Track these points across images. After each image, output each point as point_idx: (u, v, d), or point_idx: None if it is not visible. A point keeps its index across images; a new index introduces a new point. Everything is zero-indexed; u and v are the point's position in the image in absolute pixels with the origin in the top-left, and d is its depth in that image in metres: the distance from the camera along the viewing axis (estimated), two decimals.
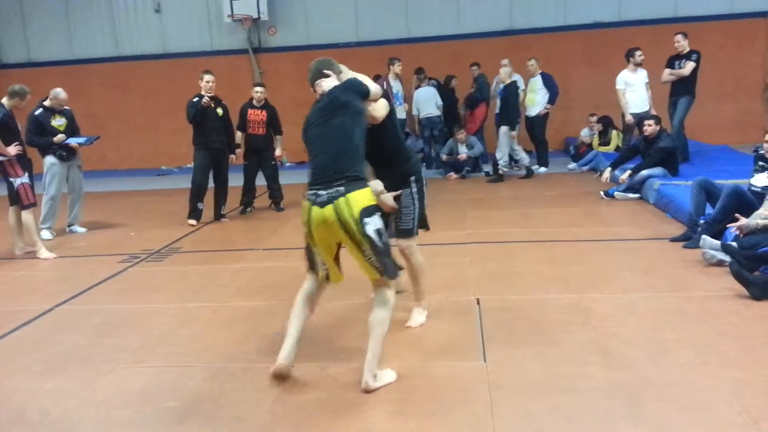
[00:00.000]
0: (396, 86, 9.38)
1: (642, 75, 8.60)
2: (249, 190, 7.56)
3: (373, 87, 3.20)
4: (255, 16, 11.75)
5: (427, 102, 9.79)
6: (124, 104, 12.47)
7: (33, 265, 5.69)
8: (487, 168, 9.78)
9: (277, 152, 7.61)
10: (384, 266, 2.88)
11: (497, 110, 9.42)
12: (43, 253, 5.80)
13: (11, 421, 2.82)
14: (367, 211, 2.83)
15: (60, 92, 6.50)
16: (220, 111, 6.92)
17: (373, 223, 2.83)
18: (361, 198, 2.83)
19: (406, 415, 2.68)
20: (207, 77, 6.83)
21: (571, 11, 11.57)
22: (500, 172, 8.97)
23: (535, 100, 9.64)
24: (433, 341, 3.43)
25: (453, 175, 9.59)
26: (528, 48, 10.71)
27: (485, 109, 10.41)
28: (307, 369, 3.12)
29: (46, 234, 6.47)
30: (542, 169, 9.71)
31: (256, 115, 7.37)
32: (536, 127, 9.75)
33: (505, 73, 9.07)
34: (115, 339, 3.74)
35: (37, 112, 6.41)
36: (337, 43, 12.11)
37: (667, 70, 8.21)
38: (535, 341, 3.35)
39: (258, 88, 7.51)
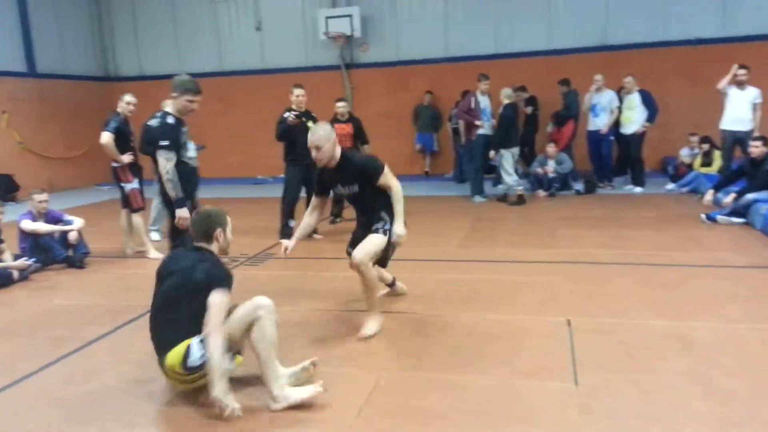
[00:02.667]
0: (484, 102, 9.37)
1: (748, 93, 8.12)
2: (338, 202, 7.77)
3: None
4: (349, 33, 12.12)
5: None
6: (224, 116, 13.20)
7: (142, 264, 6.14)
8: (578, 186, 9.53)
9: None
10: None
11: (593, 127, 9.21)
12: (152, 253, 6.26)
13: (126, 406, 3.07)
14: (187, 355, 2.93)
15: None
16: (311, 124, 6.99)
17: (194, 356, 2.92)
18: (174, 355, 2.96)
19: None
20: (297, 91, 6.89)
21: (670, 26, 11.08)
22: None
23: (632, 117, 9.34)
24: (521, 360, 3.41)
25: (541, 192, 9.43)
26: (623, 64, 10.39)
27: (573, 126, 10.19)
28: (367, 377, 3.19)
29: (154, 235, 6.94)
30: (638, 189, 9.35)
31: (342, 129, 7.47)
32: (632, 145, 9.43)
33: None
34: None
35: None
36: (427, 59, 12.27)
37: None
38: (630, 367, 3.26)
39: (340, 103, 7.72)
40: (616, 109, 9.50)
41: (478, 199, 9.11)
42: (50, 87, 12.48)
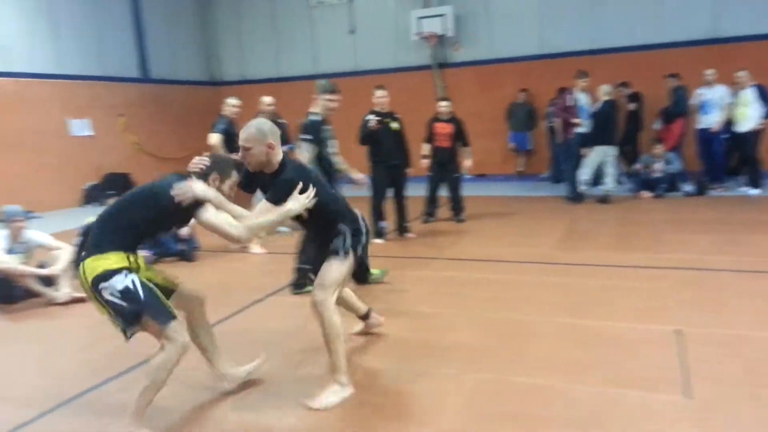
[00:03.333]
0: (582, 100, 9.06)
1: None
2: (431, 201, 7.81)
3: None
4: (441, 33, 12.10)
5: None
6: None
7: (244, 258, 6.47)
8: (688, 187, 8.96)
9: (467, 163, 7.70)
10: (125, 330, 2.78)
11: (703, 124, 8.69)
12: (254, 248, 6.57)
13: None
14: (103, 277, 2.70)
15: (263, 99, 7.20)
16: (395, 125, 6.82)
17: (111, 287, 2.69)
18: (96, 265, 2.71)
19: None
20: (378, 93, 6.80)
21: None
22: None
23: (747, 114, 8.68)
24: (624, 369, 3.27)
25: (645, 193, 8.97)
26: (735, 58, 9.67)
27: (682, 123, 9.61)
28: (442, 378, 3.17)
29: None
30: (754, 191, 8.69)
31: (443, 128, 7.58)
32: (747, 144, 8.77)
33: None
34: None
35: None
36: (521, 56, 12.02)
37: None
38: (750, 382, 3.04)
39: (443, 103, 7.73)
40: (728, 105, 8.87)
41: (572, 199, 8.83)
42: (162, 92, 13.39)
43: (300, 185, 2.95)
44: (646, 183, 9.05)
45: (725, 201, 8.34)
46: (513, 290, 4.79)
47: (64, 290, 5.08)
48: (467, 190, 8.23)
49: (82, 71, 11.68)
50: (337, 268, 3.08)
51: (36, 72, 10.77)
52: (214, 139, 6.41)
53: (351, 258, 3.13)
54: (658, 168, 8.96)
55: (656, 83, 10.11)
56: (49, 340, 4.30)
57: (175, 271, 5.95)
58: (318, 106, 5.02)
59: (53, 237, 5.49)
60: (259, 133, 2.99)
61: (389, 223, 6.98)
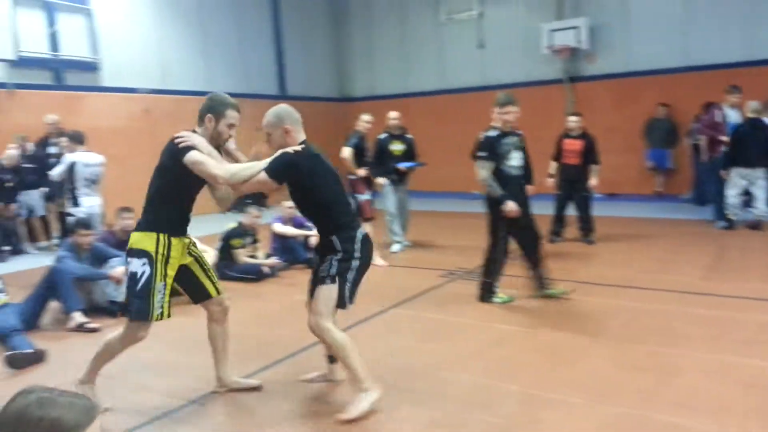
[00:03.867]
0: (732, 116, 8.29)
1: None
2: (558, 220, 7.52)
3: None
4: (574, 45, 11.69)
5: None
6: (444, 132, 13.66)
7: (369, 271, 6.58)
8: None
9: (593, 182, 7.35)
10: (129, 306, 3.10)
11: None
12: (377, 260, 6.69)
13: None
14: (133, 252, 3.07)
15: (389, 114, 7.28)
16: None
17: (132, 264, 3.05)
18: (134, 240, 3.10)
19: None
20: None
21: None
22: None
23: None
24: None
25: None
26: None
27: None
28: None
29: (394, 248, 7.34)
30: None
31: (572, 145, 7.30)
32: None
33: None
34: (433, 345, 4.10)
35: (381, 137, 7.28)
36: (662, 69, 11.26)
37: None
38: None
39: (573, 118, 7.45)
40: None
41: (720, 224, 8.07)
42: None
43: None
44: None
45: None
46: (650, 319, 4.46)
47: None
48: (598, 210, 7.82)
49: (229, 89, 12.64)
50: (325, 295, 3.07)
51: (189, 89, 11.85)
52: (346, 152, 6.64)
53: (339, 283, 3.05)
54: None
55: None
56: (190, 336, 4.65)
57: (303, 278, 6.20)
58: (496, 121, 4.97)
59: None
60: (276, 118, 3.16)
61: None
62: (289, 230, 6.73)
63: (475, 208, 11.06)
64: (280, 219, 6.81)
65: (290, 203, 6.84)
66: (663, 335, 4.14)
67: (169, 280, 3.13)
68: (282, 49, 13.91)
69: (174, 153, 3.02)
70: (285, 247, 6.69)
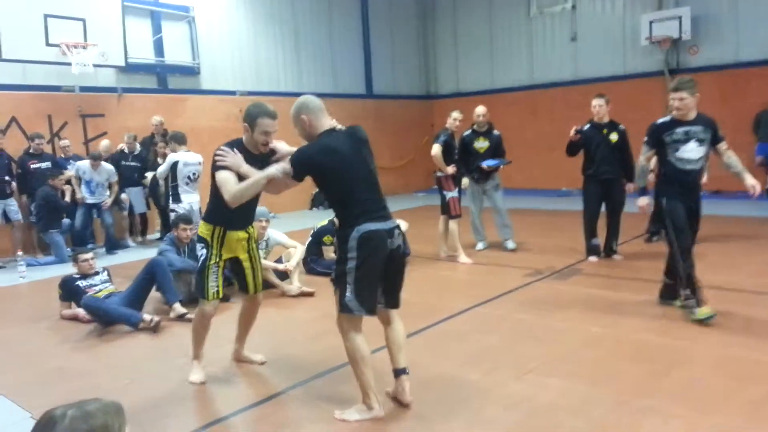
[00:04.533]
0: None
1: None
2: (657, 219, 7.04)
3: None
4: (676, 36, 11.03)
5: None
6: (532, 128, 13.32)
7: (454, 267, 6.57)
8: None
9: (703, 179, 6.81)
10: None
11: None
12: (462, 258, 6.65)
13: (436, 400, 3.30)
14: (197, 239, 3.59)
15: (477, 108, 7.08)
16: (614, 136, 6.29)
17: (196, 250, 3.60)
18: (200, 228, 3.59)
19: None
20: (595, 102, 6.37)
21: None
22: None
23: None
24: None
25: None
26: None
27: None
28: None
29: (479, 246, 7.29)
30: None
31: None
32: None
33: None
34: (524, 347, 4.01)
35: (465, 134, 7.15)
36: None
37: None
38: None
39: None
40: None
41: None
42: (383, 106, 14.31)
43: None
44: None
45: None
46: (758, 326, 4.14)
47: (296, 284, 5.69)
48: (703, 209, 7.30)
49: (319, 89, 13.02)
50: (337, 295, 3.02)
51: (281, 90, 12.28)
52: (436, 149, 6.61)
53: (337, 288, 2.99)
54: None
55: None
56: (282, 329, 4.82)
57: None
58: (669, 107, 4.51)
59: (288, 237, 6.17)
60: (294, 110, 3.15)
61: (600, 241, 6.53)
62: None
63: (563, 206, 10.79)
64: None
65: None
66: (753, 337, 3.83)
67: (222, 264, 3.54)
68: (369, 48, 14.10)
69: (212, 168, 3.33)
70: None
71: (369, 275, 2.93)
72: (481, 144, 7.10)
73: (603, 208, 6.43)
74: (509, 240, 7.29)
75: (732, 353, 3.70)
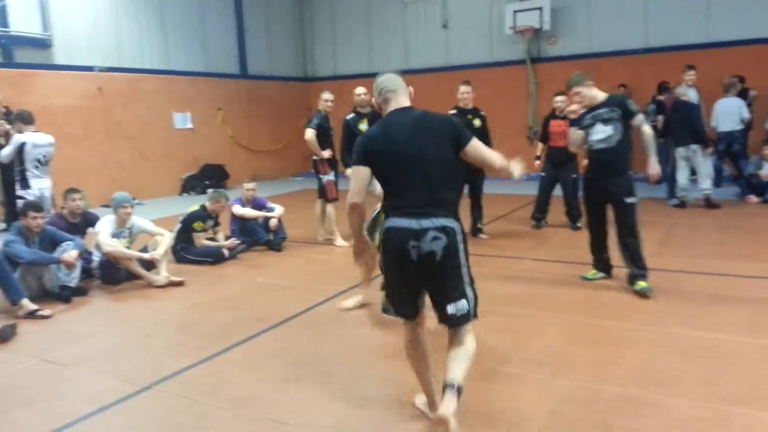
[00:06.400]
0: (692, 96, 8.49)
1: None
2: (542, 204, 7.27)
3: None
4: (537, 26, 11.76)
5: (727, 115, 8.64)
6: None
7: (330, 251, 6.58)
8: None
9: (584, 162, 7.26)
10: None
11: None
12: (339, 241, 6.68)
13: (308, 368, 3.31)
14: None
15: (357, 88, 6.73)
16: (477, 122, 6.53)
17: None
18: None
19: None
20: (462, 88, 6.56)
21: None
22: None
23: None
24: (728, 385, 3.03)
25: (753, 198, 8.30)
26: None
27: None
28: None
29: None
30: None
31: (559, 126, 6.99)
32: None
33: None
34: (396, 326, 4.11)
35: (348, 117, 6.82)
36: (622, 50, 11.44)
37: None
38: None
39: (559, 98, 7.09)
40: None
41: (673, 202, 8.31)
42: (258, 87, 13.91)
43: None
44: (754, 187, 8.36)
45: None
46: (602, 295, 4.57)
47: (164, 274, 5.40)
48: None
49: (189, 67, 12.37)
50: None
51: (145, 68, 11.50)
52: (309, 134, 6.53)
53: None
54: (766, 172, 8.25)
55: None
56: (149, 321, 4.56)
57: (264, 260, 6.23)
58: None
59: (154, 224, 5.84)
60: (374, 91, 2.88)
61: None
62: (249, 212, 6.63)
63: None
64: (240, 201, 6.71)
65: (250, 184, 6.73)
66: (612, 309, 4.26)
67: None
68: (243, 27, 13.60)
69: None
70: (245, 229, 6.60)
71: (392, 271, 2.64)
72: (366, 126, 6.76)
73: (466, 190, 6.66)
74: None
75: (578, 321, 4.06)
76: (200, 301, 4.94)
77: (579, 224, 6.94)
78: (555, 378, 3.20)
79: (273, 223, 6.62)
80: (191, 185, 11.93)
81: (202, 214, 6.26)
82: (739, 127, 8.77)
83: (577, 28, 11.95)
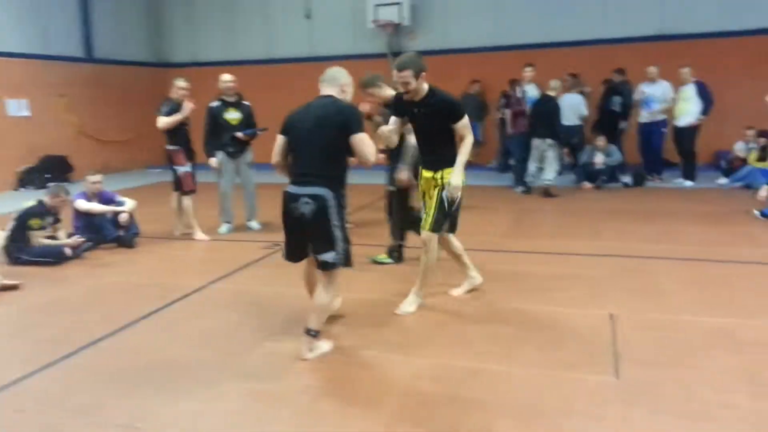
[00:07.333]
0: (531, 91, 9.25)
1: None
2: None
3: None
4: (397, 21, 12.08)
5: (568, 111, 9.49)
6: (273, 102, 13.35)
7: (189, 246, 6.32)
8: (626, 179, 9.30)
9: None
10: None
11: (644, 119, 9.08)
12: (199, 234, 6.43)
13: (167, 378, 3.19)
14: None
15: (221, 76, 6.71)
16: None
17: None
18: None
19: (532, 426, 2.67)
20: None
21: (734, 16, 10.60)
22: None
23: (687, 109, 9.05)
24: (563, 352, 3.37)
25: (587, 184, 9.26)
26: (682, 55, 10.01)
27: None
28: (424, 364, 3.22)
29: (222, 229, 6.77)
30: (688, 183, 9.10)
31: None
32: (685, 138, 9.15)
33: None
34: (260, 320, 4.07)
35: (213, 105, 6.65)
36: (475, 48, 12.13)
37: None
38: (675, 364, 3.18)
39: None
40: (671, 100, 9.23)
41: (519, 189, 9.02)
42: (106, 72, 12.90)
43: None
44: (588, 174, 9.32)
45: (662, 192, 8.70)
46: (458, 277, 4.86)
47: None
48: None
49: (20, 48, 11.13)
50: None
51: None
52: (161, 122, 6.20)
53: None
54: (599, 160, 9.24)
55: (601, 79, 10.41)
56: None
57: (114, 258, 5.83)
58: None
59: None
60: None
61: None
62: (95, 207, 6.14)
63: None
64: (84, 195, 6.17)
65: (95, 177, 6.24)
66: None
67: None
68: (88, 5, 12.50)
69: None
70: (91, 225, 6.09)
71: (286, 229, 3.44)
72: (233, 115, 6.65)
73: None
74: (253, 220, 7.02)
75: (436, 301, 4.28)
76: (37, 303, 4.52)
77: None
78: (410, 357, 3.35)
79: (123, 218, 6.20)
80: (29, 179, 10.81)
81: (40, 210, 5.71)
82: (578, 122, 9.74)
83: (434, 25, 12.46)
